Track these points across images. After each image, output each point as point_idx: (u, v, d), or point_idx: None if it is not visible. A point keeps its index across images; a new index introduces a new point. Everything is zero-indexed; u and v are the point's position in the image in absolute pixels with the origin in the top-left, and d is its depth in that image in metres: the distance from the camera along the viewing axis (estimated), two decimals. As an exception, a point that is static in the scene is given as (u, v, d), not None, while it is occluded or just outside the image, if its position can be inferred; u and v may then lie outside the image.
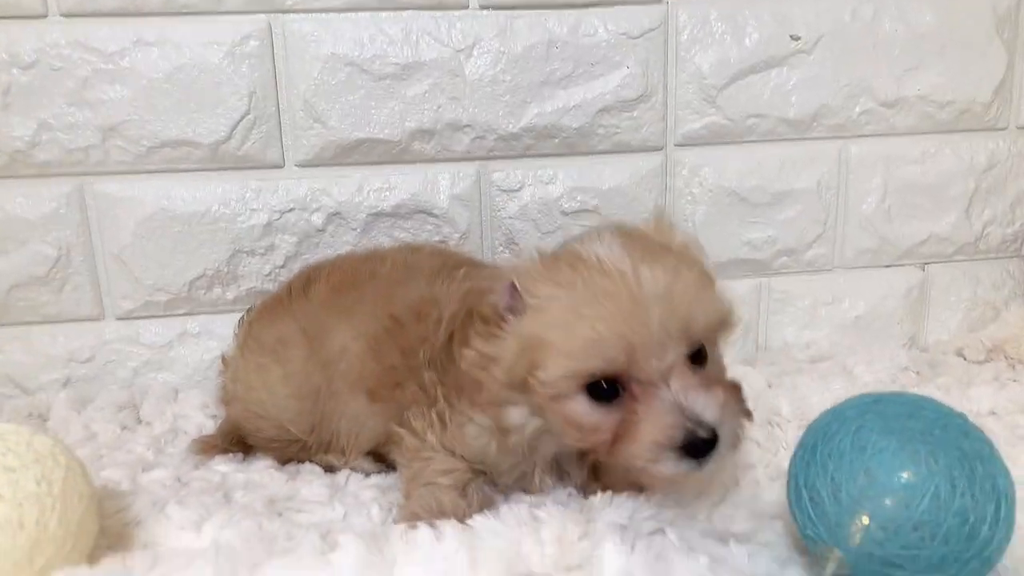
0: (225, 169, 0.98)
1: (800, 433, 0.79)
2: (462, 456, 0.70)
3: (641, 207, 1.05)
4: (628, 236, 0.65)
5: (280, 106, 0.98)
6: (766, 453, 0.82)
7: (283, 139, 0.99)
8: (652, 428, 0.58)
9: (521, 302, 0.62)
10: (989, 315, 1.17)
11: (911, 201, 1.11)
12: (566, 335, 0.59)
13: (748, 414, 0.64)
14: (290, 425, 0.84)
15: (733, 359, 1.10)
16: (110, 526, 0.67)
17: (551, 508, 0.63)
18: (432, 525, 0.59)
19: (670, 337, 0.59)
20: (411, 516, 0.65)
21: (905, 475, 0.52)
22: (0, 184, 0.95)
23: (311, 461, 0.86)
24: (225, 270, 1.01)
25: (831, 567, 0.55)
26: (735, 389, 0.63)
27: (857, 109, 1.07)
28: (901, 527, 0.52)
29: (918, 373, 1.03)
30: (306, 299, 0.88)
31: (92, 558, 0.59)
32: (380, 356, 0.75)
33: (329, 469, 0.85)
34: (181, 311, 1.02)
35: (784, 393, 0.93)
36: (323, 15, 0.96)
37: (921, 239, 1.13)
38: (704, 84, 1.03)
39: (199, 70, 0.95)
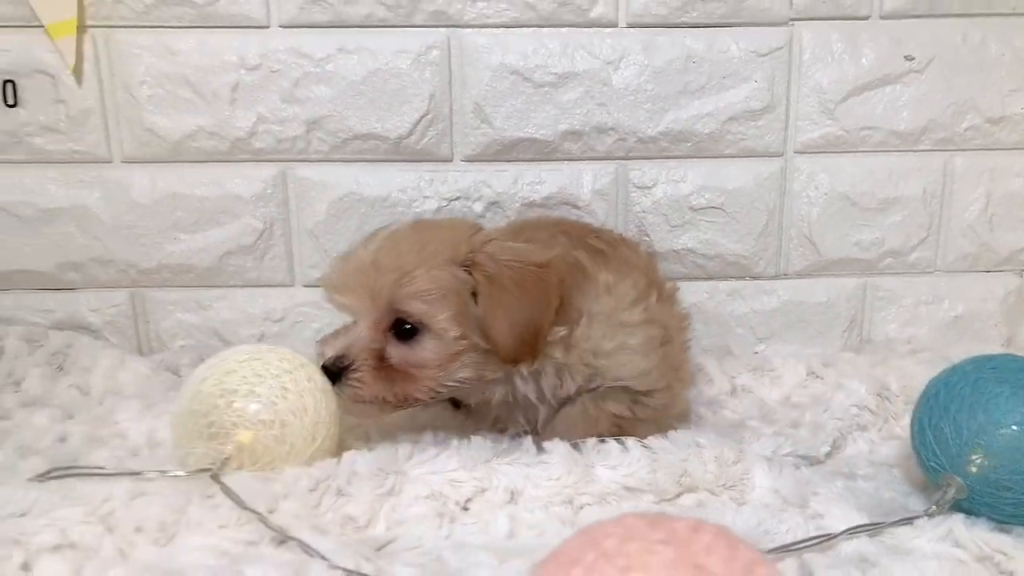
0: (404, 160, 1.15)
1: (906, 407, 0.92)
2: None
3: (762, 205, 1.18)
4: (419, 222, 0.84)
5: (452, 107, 1.14)
6: (878, 419, 0.94)
7: (453, 136, 1.15)
8: (329, 340, 0.80)
9: None
10: (1083, 321, 1.26)
11: (1013, 212, 1.21)
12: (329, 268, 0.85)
13: (401, 393, 0.76)
14: None
15: (840, 348, 1.22)
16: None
17: (710, 436, 0.77)
18: (619, 441, 0.74)
19: (357, 290, 0.77)
20: None
21: (1016, 413, 0.64)
22: (223, 166, 1.14)
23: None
24: (398, 247, 1.17)
25: (952, 492, 0.67)
26: (412, 368, 0.76)
27: (964, 124, 1.18)
28: (1012, 455, 0.64)
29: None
30: None
31: (342, 447, 0.76)
32: None
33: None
34: (357, 281, 1.19)
35: (891, 372, 1.04)
36: (495, 30, 1.12)
37: (1021, 247, 1.22)
38: (823, 98, 1.16)
39: (389, 75, 1.12)
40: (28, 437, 0.86)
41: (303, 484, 0.65)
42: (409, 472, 0.69)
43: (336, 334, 0.80)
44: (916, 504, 0.72)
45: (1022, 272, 1.24)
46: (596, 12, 1.12)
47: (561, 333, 0.78)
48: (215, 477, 0.65)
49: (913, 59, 1.15)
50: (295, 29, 1.10)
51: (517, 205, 1.17)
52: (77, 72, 1.08)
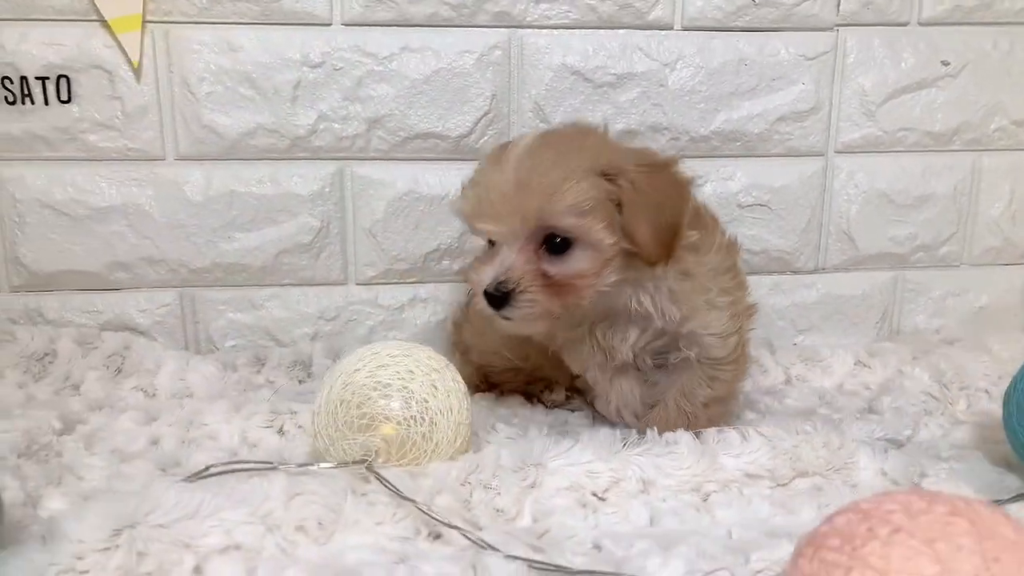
0: (462, 159, 1.16)
1: (961, 392, 0.97)
2: None
3: (805, 203, 1.23)
4: (547, 134, 0.83)
5: (511, 107, 1.15)
6: (941, 404, 0.99)
7: (511, 135, 1.16)
8: (481, 269, 0.80)
9: None
10: (1094, 310, 1.34)
11: (1033, 208, 1.28)
12: (463, 196, 0.84)
13: (565, 302, 0.79)
14: (504, 350, 1.02)
15: (874, 339, 1.27)
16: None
17: (816, 422, 0.80)
18: (743, 434, 0.76)
19: (506, 215, 0.78)
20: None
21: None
22: (281, 164, 1.13)
23: (539, 399, 1.04)
24: (455, 246, 1.18)
25: (1053, 469, 0.72)
26: (570, 280, 0.78)
27: (992, 126, 1.24)
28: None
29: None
30: None
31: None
32: None
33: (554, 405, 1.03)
34: (413, 279, 1.19)
35: (941, 360, 1.10)
36: (556, 31, 1.13)
37: (1040, 241, 1.30)
38: (865, 100, 1.21)
39: (452, 74, 1.12)
40: (119, 441, 0.84)
41: (453, 477, 0.66)
42: (548, 464, 0.70)
43: (483, 260, 0.82)
44: (1013, 482, 0.76)
45: (1039, 265, 1.31)
46: (654, 15, 1.14)
47: (693, 238, 0.83)
48: (370, 468, 0.65)
49: (948, 64, 1.21)
50: (359, 27, 1.10)
51: (572, 203, 1.18)
52: (138, 68, 1.06)
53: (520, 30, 1.13)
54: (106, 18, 1.03)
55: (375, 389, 0.69)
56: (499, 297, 0.78)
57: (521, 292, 0.77)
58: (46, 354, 1.06)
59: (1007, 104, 1.24)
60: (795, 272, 1.26)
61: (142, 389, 1.01)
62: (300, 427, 0.87)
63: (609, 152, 0.81)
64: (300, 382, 1.08)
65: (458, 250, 1.18)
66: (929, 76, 1.21)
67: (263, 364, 1.11)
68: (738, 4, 1.15)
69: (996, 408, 0.99)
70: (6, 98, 1.06)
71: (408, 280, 1.19)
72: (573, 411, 0.98)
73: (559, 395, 1.03)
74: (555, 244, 0.78)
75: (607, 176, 0.78)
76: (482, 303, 0.79)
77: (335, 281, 1.18)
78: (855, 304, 1.28)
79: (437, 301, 1.20)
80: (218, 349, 1.17)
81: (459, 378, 0.74)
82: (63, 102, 1.07)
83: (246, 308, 1.17)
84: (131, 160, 1.11)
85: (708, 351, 0.86)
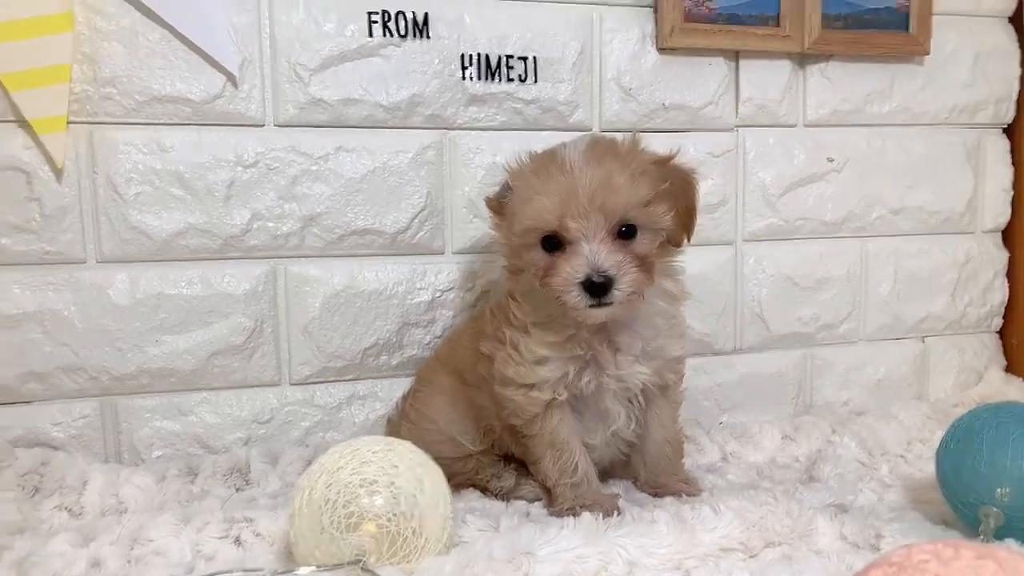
0: (400, 255, 1.17)
1: (882, 458, 1.04)
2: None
3: (721, 289, 1.31)
4: (594, 143, 0.92)
5: (445, 203, 1.18)
6: (869, 470, 1.06)
7: (446, 231, 1.19)
8: (566, 268, 0.86)
9: (510, 190, 0.93)
10: (972, 379, 1.48)
11: (913, 287, 1.42)
12: (526, 205, 0.88)
13: (650, 279, 0.89)
14: (457, 435, 1.03)
15: (792, 414, 1.35)
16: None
17: (777, 493, 0.84)
18: (715, 508, 0.79)
19: (592, 212, 0.85)
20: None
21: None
22: (212, 265, 1.10)
23: (487, 489, 1.03)
24: (394, 340, 1.18)
25: (992, 522, 0.78)
26: (644, 260, 0.89)
27: (873, 215, 1.38)
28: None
29: (936, 420, 1.30)
30: (450, 345, 1.12)
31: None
32: (475, 343, 1.02)
33: (502, 495, 1.02)
34: (350, 376, 1.17)
35: (862, 429, 1.18)
36: (485, 132, 1.19)
37: (922, 317, 1.43)
38: (766, 193, 1.32)
39: (388, 172, 1.15)
40: (56, 566, 0.77)
41: (448, 572, 0.65)
42: (537, 552, 0.70)
43: (559, 261, 0.87)
44: (957, 537, 0.82)
45: (923, 338, 1.45)
46: (575, 118, 1.22)
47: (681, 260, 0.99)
48: (365, 568, 0.62)
49: (833, 160, 1.35)
50: (293, 128, 1.11)
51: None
52: (60, 169, 1.02)
53: (451, 131, 1.17)
54: (27, 119, 0.99)
55: (361, 486, 0.67)
56: (601, 284, 0.84)
57: (623, 274, 0.85)
58: (-52, 477, 0.96)
59: (884, 195, 1.38)
60: (716, 354, 1.33)
61: (66, 508, 0.93)
62: (259, 535, 0.82)
63: (642, 154, 0.93)
64: (238, 490, 1.03)
65: (396, 344, 1.18)
66: (818, 171, 1.35)
67: (196, 474, 1.05)
68: (650, 107, 1.25)
69: (915, 471, 1.07)
70: (-91, 202, 0.99)
71: (345, 378, 1.17)
72: (531, 501, 0.98)
73: (508, 481, 1.03)
74: (623, 232, 0.88)
75: (657, 172, 0.90)
76: (576, 297, 0.85)
77: (269, 382, 1.15)
78: (772, 382, 1.36)
79: (376, 398, 1.18)
80: (143, 461, 1.10)
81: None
82: (-25, 205, 1.01)
83: (174, 415, 1.11)
84: (48, 264, 1.05)
85: (678, 376, 1.02)
